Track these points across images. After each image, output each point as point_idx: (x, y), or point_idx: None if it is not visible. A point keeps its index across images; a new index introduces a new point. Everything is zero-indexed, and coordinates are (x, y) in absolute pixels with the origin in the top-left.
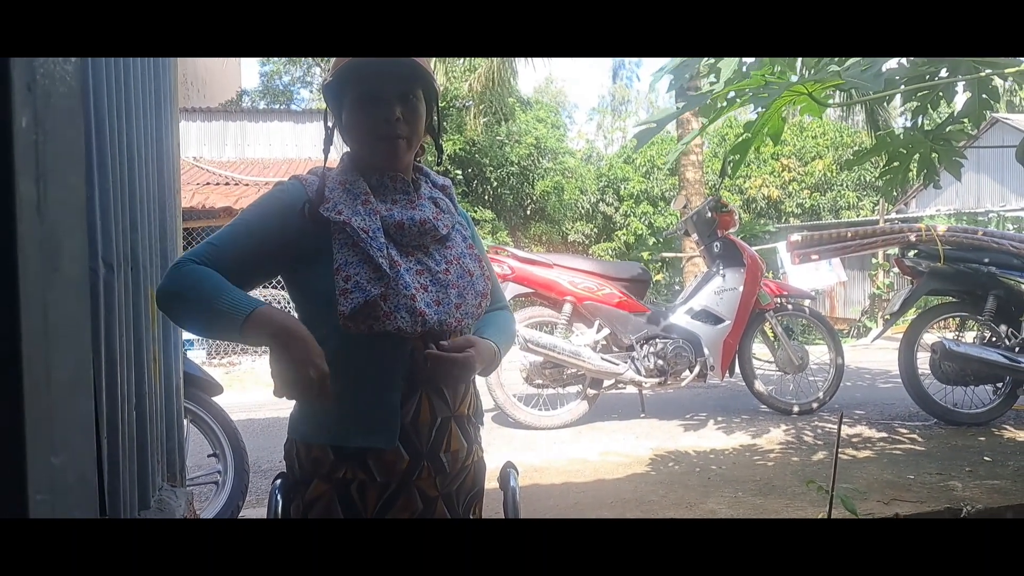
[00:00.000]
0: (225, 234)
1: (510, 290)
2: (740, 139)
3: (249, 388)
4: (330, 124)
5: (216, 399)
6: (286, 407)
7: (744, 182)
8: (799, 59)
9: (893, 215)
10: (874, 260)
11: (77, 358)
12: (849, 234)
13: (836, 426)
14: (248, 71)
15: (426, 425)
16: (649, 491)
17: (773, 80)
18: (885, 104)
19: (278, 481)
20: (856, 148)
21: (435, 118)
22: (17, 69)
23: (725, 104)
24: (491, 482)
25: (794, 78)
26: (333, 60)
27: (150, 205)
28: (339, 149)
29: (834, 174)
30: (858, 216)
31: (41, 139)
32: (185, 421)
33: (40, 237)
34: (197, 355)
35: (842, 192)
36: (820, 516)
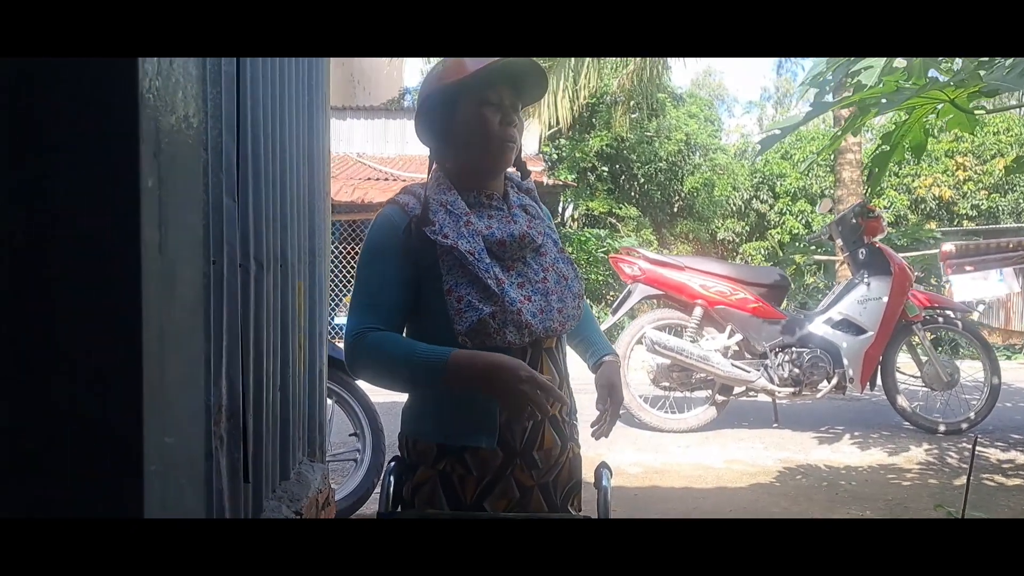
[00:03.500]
0: (373, 290)
1: (639, 292)
2: (878, 150)
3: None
4: (427, 141)
5: (360, 382)
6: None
7: (913, 181)
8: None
9: None
10: None
11: (189, 363)
12: (1011, 244)
13: (986, 450)
14: (411, 70)
15: (519, 426)
16: (771, 503)
17: (906, 87)
18: None
19: (392, 463)
20: None
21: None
22: (145, 139)
23: (859, 113)
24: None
25: (939, 75)
26: (439, 72)
27: (300, 205)
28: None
29: (1018, 175)
30: None
31: (165, 194)
32: (329, 402)
33: (160, 271)
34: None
35: None
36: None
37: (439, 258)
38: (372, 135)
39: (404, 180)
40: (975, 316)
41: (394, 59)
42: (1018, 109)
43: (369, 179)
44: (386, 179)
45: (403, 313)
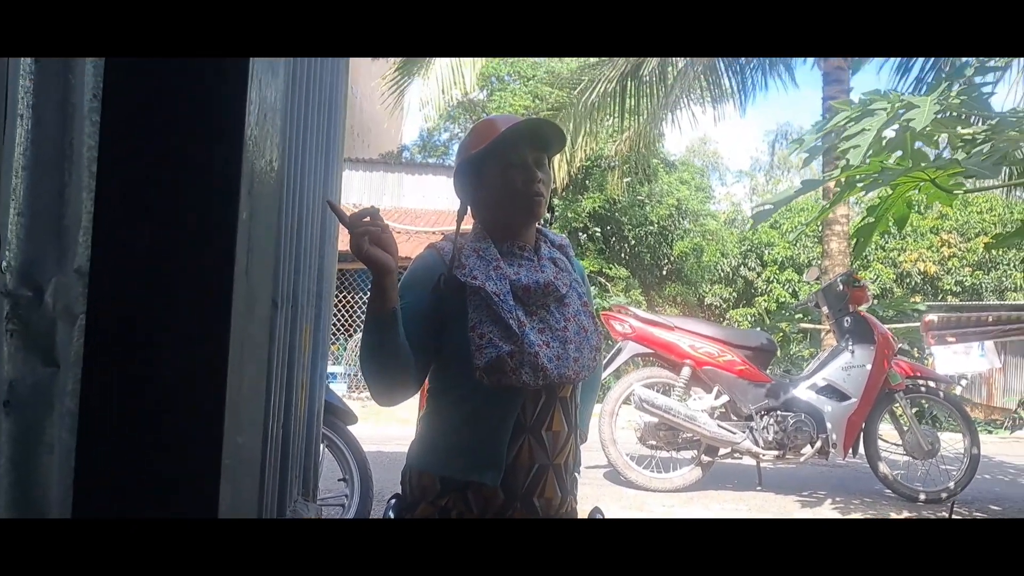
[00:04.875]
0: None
1: (629, 349)
2: (864, 222)
3: (383, 422)
4: (462, 201)
5: (351, 428)
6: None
7: (899, 255)
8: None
9: None
10: None
11: (258, 370)
12: (990, 318)
13: (964, 518)
14: (409, 128)
15: (524, 468)
16: None
17: (890, 167)
18: None
19: (392, 500)
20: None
21: (553, 182)
22: (245, 179)
23: (846, 188)
24: None
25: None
26: (468, 141)
27: (312, 250)
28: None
29: (1000, 252)
30: None
31: (254, 225)
32: (321, 445)
33: (245, 291)
34: (339, 387)
35: (1008, 271)
36: None
37: (468, 298)
38: (369, 187)
39: (400, 231)
40: (958, 391)
41: (393, 115)
42: (1002, 190)
43: None
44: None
45: (419, 344)
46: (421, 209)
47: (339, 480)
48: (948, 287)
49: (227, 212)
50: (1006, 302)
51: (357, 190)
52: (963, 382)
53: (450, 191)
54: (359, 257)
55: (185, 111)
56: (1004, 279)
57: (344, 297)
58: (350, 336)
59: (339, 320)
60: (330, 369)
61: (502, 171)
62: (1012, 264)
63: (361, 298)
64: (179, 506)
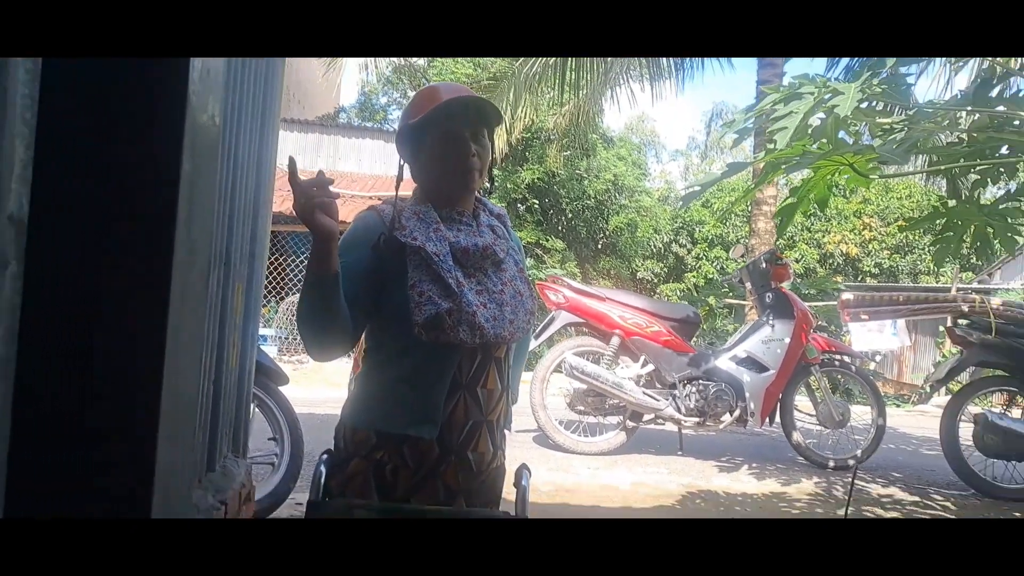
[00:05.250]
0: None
1: (562, 318)
2: (786, 202)
3: (314, 385)
4: (402, 164)
5: (282, 389)
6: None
7: (823, 236)
8: (856, 124)
9: (973, 284)
10: (943, 328)
11: (197, 321)
12: (901, 297)
13: (868, 485)
14: (347, 90)
15: (459, 424)
16: None
17: (811, 151)
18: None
19: (324, 456)
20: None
21: (494, 153)
22: (188, 132)
23: (770, 170)
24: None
25: (847, 136)
26: (409, 108)
27: (246, 210)
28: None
29: (916, 237)
30: (937, 281)
31: (196, 178)
32: (252, 405)
33: (186, 241)
34: (270, 350)
35: (923, 255)
36: None
37: (407, 258)
38: (304, 149)
39: (335, 195)
40: (871, 367)
41: (329, 75)
42: (922, 178)
43: None
44: None
45: (357, 303)
46: (357, 173)
47: (269, 439)
48: (867, 269)
49: (170, 163)
50: (919, 284)
51: (291, 151)
52: (876, 358)
53: (387, 156)
54: (305, 222)
55: (129, 63)
56: (919, 263)
57: (276, 260)
58: (281, 299)
59: (270, 283)
60: (261, 331)
61: (439, 141)
62: (926, 249)
63: (293, 261)
64: (116, 452)
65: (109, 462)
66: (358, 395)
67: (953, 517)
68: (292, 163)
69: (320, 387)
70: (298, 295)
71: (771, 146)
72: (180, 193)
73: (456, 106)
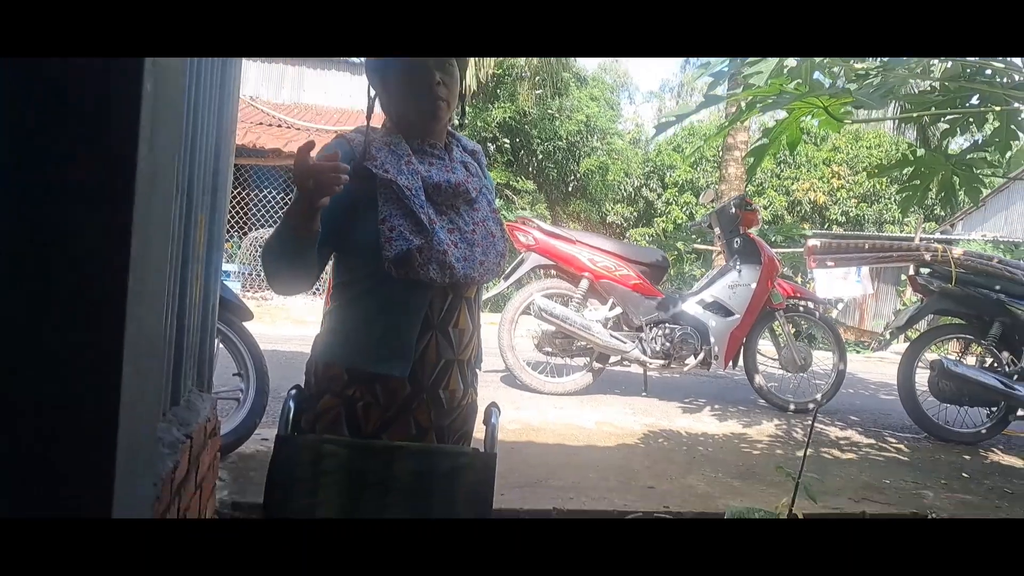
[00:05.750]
0: None
1: (532, 260)
2: (759, 142)
3: (279, 322)
4: (372, 94)
5: (246, 325)
6: (310, 342)
7: (792, 184)
8: (833, 66)
9: (936, 235)
10: (904, 276)
11: (161, 249)
12: (867, 245)
13: (827, 428)
14: None
15: (431, 363)
16: (635, 460)
17: (788, 91)
18: (934, 122)
19: (293, 391)
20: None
21: (464, 87)
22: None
23: (745, 109)
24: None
25: (823, 77)
26: None
27: (207, 142)
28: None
29: (883, 186)
30: (901, 231)
31: (159, 97)
32: (216, 340)
33: (150, 163)
34: (233, 285)
35: (888, 205)
36: (784, 501)
37: (377, 190)
38: (268, 80)
39: (298, 128)
40: (834, 313)
41: None
42: (892, 127)
43: (261, 124)
44: (279, 125)
45: (324, 235)
46: (323, 106)
47: (234, 375)
48: (834, 217)
49: (130, 80)
50: (884, 234)
51: (254, 81)
52: (839, 305)
53: (354, 89)
54: (304, 194)
55: None
56: (884, 212)
57: (238, 193)
58: (245, 234)
59: (233, 218)
60: (225, 267)
61: (404, 70)
62: (892, 198)
63: (257, 195)
64: (80, 385)
65: (72, 394)
66: (329, 331)
67: (904, 459)
68: (308, 148)
69: (285, 324)
70: (263, 232)
71: (749, 85)
72: (142, 112)
73: None
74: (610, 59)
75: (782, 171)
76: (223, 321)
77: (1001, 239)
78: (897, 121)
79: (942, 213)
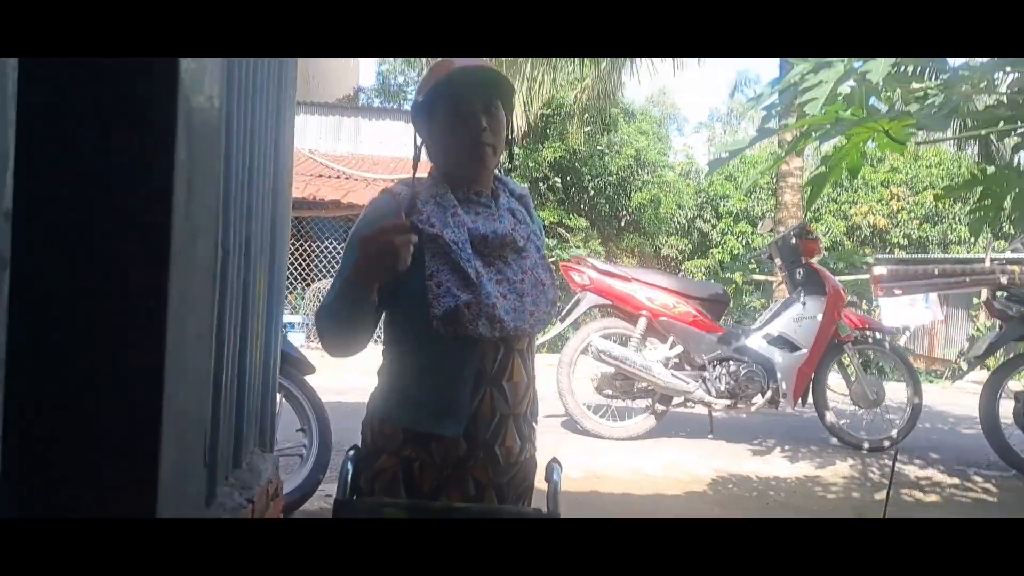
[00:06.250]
0: (344, 270)
1: (588, 300)
2: (817, 171)
3: (341, 373)
4: (418, 142)
5: (308, 379)
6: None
7: (850, 208)
8: (889, 91)
9: (1007, 254)
10: (976, 300)
11: (202, 319)
12: (936, 271)
13: (906, 467)
14: (366, 70)
15: (486, 419)
16: (705, 509)
17: (845, 117)
18: (1001, 139)
19: (351, 452)
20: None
21: (510, 127)
22: (182, 114)
23: (802, 138)
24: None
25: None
26: (421, 82)
27: (265, 196)
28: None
29: (946, 206)
30: (968, 252)
31: (195, 165)
32: (279, 396)
33: (186, 234)
34: (296, 337)
35: (953, 225)
36: None
37: (424, 245)
38: (325, 132)
39: (357, 179)
40: (901, 341)
41: (349, 57)
42: (952, 145)
43: (320, 176)
44: (338, 176)
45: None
46: (379, 156)
47: (297, 431)
48: (896, 240)
49: (163, 149)
50: (950, 255)
51: (313, 135)
52: (907, 333)
53: (408, 138)
54: (375, 260)
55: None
56: (949, 233)
57: (300, 245)
58: (307, 285)
59: (295, 269)
60: (287, 318)
61: (449, 115)
62: (957, 218)
63: (318, 247)
64: (118, 468)
65: (108, 466)
66: (382, 389)
67: (992, 500)
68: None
69: (349, 374)
70: (325, 282)
71: (799, 115)
72: (176, 182)
73: (465, 77)
74: (658, 93)
75: (839, 195)
76: (285, 376)
77: None
78: (957, 138)
79: (1011, 231)
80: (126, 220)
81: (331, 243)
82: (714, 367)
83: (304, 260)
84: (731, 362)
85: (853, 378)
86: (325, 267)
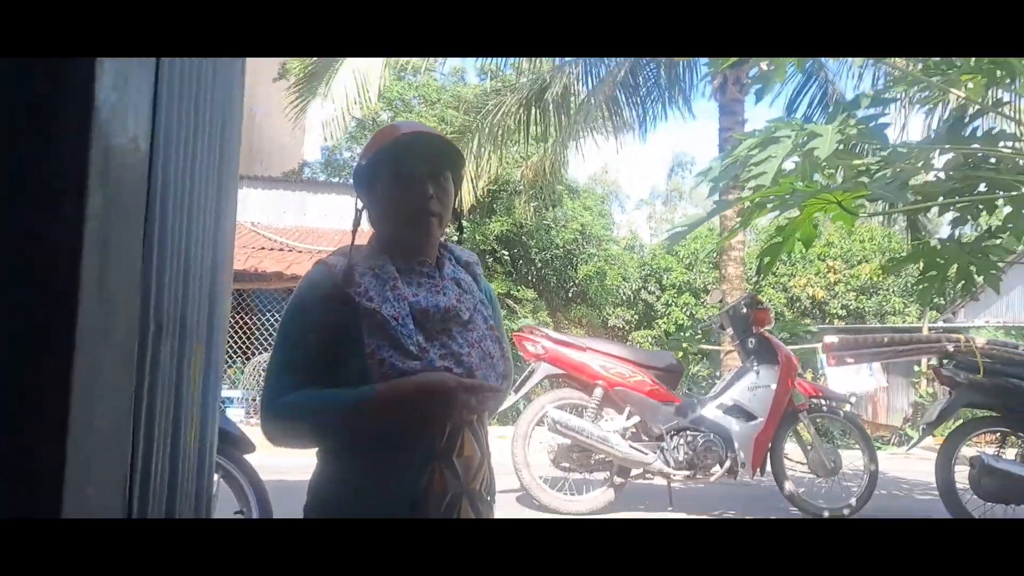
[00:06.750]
0: (286, 359)
1: (542, 370)
2: (772, 241)
3: (282, 449)
4: (359, 207)
5: (248, 457)
6: (309, 469)
7: (789, 280)
8: (838, 169)
9: (940, 324)
10: (917, 368)
11: (117, 416)
12: (886, 339)
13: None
14: (311, 145)
15: (437, 497)
16: None
17: (800, 189)
18: (926, 214)
19: None
20: (896, 255)
21: (459, 197)
22: (96, 156)
23: (755, 210)
24: None
25: (820, 177)
26: (366, 146)
27: (203, 271)
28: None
29: (880, 278)
30: (903, 322)
31: (113, 219)
32: (216, 476)
33: (99, 306)
34: (236, 413)
35: (888, 297)
36: None
37: (362, 320)
38: (268, 205)
39: (300, 251)
40: (847, 408)
41: (294, 133)
42: (881, 220)
43: (263, 248)
44: (281, 249)
45: (320, 372)
46: (324, 228)
47: (236, 512)
48: (835, 311)
49: (71, 200)
50: (887, 325)
51: (256, 209)
52: (852, 399)
53: (352, 210)
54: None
55: (16, 71)
56: (884, 304)
57: (240, 318)
58: (247, 359)
59: (235, 342)
60: (226, 393)
61: (393, 181)
62: (891, 289)
63: (260, 319)
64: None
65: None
66: (323, 474)
67: None
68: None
69: (289, 451)
70: (266, 356)
71: (751, 188)
72: (86, 240)
73: (412, 143)
74: (600, 171)
75: (778, 268)
76: (223, 455)
77: (1010, 325)
78: (885, 214)
79: (942, 302)
80: (20, 286)
81: (273, 316)
82: (672, 437)
83: (244, 333)
84: (689, 432)
85: (810, 446)
86: (266, 340)
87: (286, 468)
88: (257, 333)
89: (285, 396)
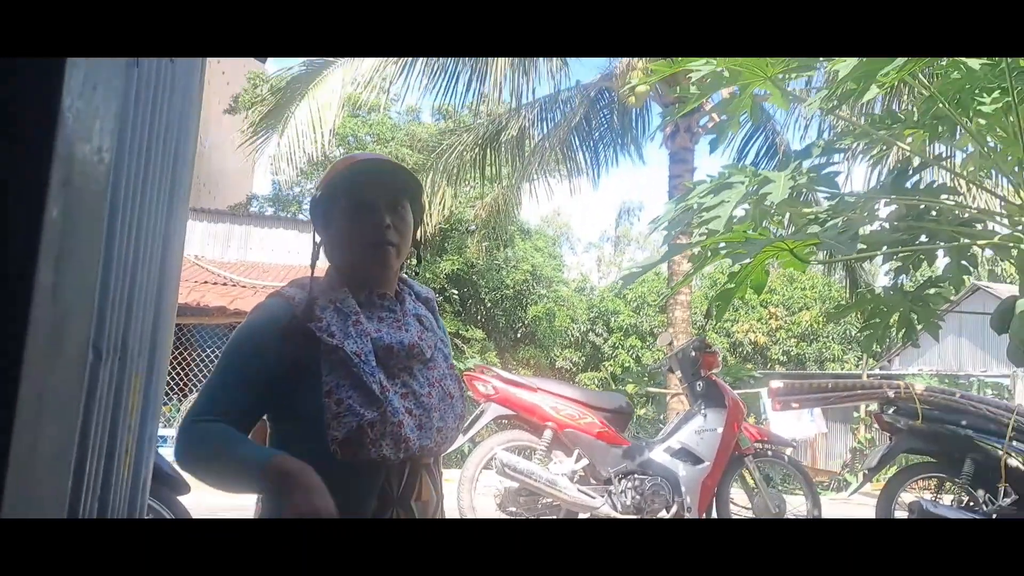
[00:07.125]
0: (225, 381)
1: (492, 411)
2: (724, 287)
3: (217, 490)
4: (317, 240)
5: (182, 499)
6: (252, 511)
7: (732, 326)
8: (786, 215)
9: (877, 370)
10: (856, 414)
11: (63, 437)
12: (829, 385)
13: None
14: (260, 179)
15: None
16: None
17: (754, 236)
18: (866, 263)
19: None
20: (839, 303)
21: (419, 230)
22: (56, 166)
23: (709, 255)
24: None
25: (770, 226)
26: (322, 177)
27: (148, 299)
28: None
29: (820, 325)
30: (842, 368)
31: (70, 229)
32: (148, 517)
33: (51, 320)
34: (170, 452)
35: (828, 344)
36: None
37: (322, 357)
38: (213, 238)
39: (245, 286)
40: (788, 452)
41: (243, 167)
42: (821, 269)
43: (206, 282)
44: (224, 283)
45: (250, 414)
46: (269, 263)
47: None
48: (776, 356)
49: (29, 205)
50: (827, 371)
51: (199, 241)
52: (794, 443)
53: (300, 246)
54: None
55: None
56: (824, 350)
57: (179, 353)
58: (184, 396)
59: (173, 378)
60: (161, 431)
61: (350, 211)
62: (831, 336)
63: (199, 355)
64: None
65: None
66: (274, 513)
67: None
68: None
69: (225, 492)
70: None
71: (701, 233)
72: (42, 247)
73: (368, 170)
74: (553, 214)
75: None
76: (156, 496)
77: (943, 373)
78: (828, 263)
79: (878, 349)
80: None
81: (214, 352)
82: (620, 481)
83: (183, 369)
84: (636, 476)
85: (755, 490)
86: (206, 378)
87: (223, 509)
88: (196, 370)
89: (207, 418)
